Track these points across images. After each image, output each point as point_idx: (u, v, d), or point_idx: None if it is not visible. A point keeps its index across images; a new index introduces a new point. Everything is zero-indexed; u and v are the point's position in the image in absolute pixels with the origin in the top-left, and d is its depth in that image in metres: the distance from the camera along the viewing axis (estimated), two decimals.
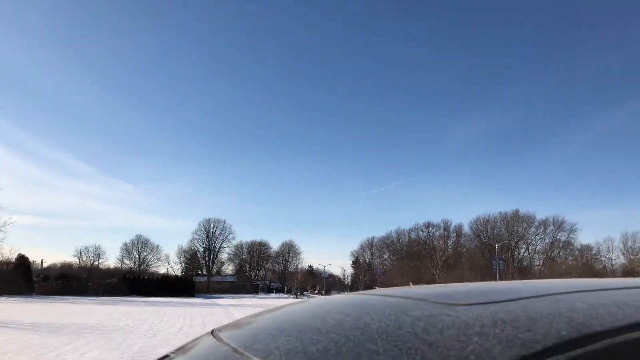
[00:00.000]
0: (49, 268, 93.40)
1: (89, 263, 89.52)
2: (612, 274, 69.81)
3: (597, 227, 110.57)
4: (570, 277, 57.42)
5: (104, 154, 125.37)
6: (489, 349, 0.73)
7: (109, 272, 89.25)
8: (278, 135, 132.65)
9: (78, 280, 77.02)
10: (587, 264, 71.66)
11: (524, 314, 0.87)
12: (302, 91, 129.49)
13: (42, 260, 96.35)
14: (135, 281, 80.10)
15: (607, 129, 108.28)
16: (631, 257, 68.90)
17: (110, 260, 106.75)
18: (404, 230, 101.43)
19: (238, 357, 0.98)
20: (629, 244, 70.28)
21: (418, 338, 0.83)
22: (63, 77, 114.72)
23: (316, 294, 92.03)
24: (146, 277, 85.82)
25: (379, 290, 1.50)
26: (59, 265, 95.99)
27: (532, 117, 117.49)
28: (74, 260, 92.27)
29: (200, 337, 1.42)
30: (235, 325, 1.40)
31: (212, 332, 1.36)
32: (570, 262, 75.13)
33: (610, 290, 1.10)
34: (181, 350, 1.34)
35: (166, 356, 1.30)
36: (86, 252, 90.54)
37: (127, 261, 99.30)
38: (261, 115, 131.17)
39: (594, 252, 77.92)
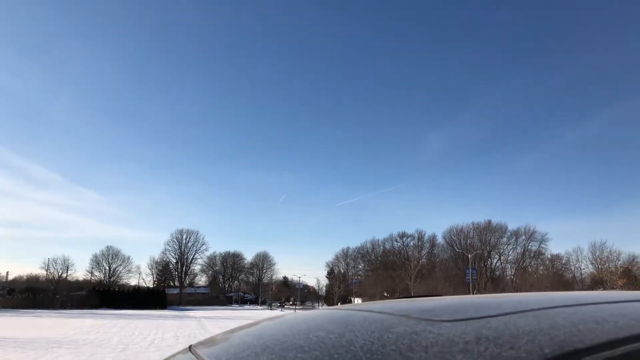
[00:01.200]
0: (15, 281, 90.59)
1: (57, 275, 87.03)
2: (581, 282, 71.35)
3: (566, 237, 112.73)
4: (541, 286, 58.54)
5: (73, 162, 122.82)
6: None
7: (78, 284, 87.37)
8: (251, 146, 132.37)
9: (45, 293, 75.12)
10: (558, 273, 73.09)
11: (506, 331, 0.88)
12: (277, 103, 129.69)
13: (7, 272, 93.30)
14: (106, 293, 78.69)
15: (576, 140, 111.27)
16: (599, 266, 70.48)
17: (79, 272, 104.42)
18: (378, 240, 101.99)
19: None
20: (597, 253, 71.77)
21: (403, 356, 0.82)
22: (30, 82, 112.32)
23: (290, 305, 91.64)
24: (117, 289, 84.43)
25: (360, 305, 1.50)
26: (25, 277, 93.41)
27: (503, 128, 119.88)
28: (41, 273, 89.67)
29: (178, 353, 1.39)
30: (214, 341, 1.36)
31: (190, 348, 1.33)
32: (541, 272, 76.52)
33: (588, 305, 1.11)
34: None
35: None
36: (54, 264, 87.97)
37: (96, 273, 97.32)
38: (234, 126, 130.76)
39: (563, 261, 79.46)
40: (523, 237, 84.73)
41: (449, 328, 0.93)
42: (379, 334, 0.97)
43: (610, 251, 69.18)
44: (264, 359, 0.97)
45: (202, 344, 1.36)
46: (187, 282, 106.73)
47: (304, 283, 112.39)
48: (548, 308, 1.06)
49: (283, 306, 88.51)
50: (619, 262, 67.78)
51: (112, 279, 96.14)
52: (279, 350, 1.01)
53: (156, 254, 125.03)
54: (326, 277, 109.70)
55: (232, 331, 1.46)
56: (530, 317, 0.97)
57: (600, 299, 1.18)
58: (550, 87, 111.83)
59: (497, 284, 74.78)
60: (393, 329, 0.99)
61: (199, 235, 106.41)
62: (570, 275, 75.41)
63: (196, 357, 1.18)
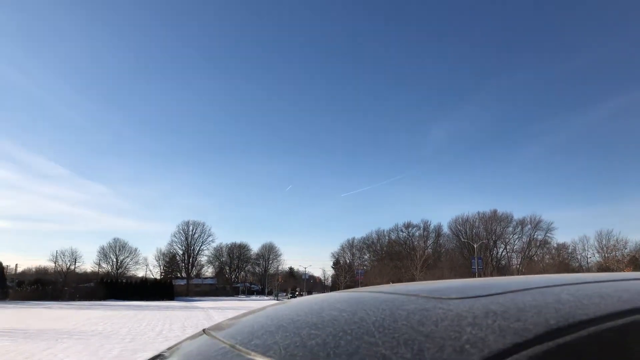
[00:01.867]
0: (24, 273, 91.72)
1: (65, 267, 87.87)
2: (588, 271, 71.17)
3: (572, 226, 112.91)
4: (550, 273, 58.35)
5: (79, 155, 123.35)
6: (483, 338, 0.77)
7: (86, 277, 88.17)
8: (257, 136, 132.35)
9: (54, 285, 75.87)
10: (564, 262, 72.99)
11: (513, 305, 0.92)
12: (283, 92, 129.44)
13: (17, 265, 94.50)
14: (113, 285, 79.31)
15: (582, 129, 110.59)
16: (606, 254, 70.33)
17: (87, 264, 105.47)
18: (384, 230, 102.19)
19: (236, 354, 0.99)
20: (604, 241, 71.65)
21: (414, 330, 0.86)
22: (35, 77, 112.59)
23: (298, 295, 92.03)
24: (124, 281, 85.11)
25: (370, 287, 1.55)
26: (34, 270, 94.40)
27: (508, 118, 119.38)
28: (50, 265, 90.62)
29: (193, 335, 1.42)
30: (229, 323, 1.38)
31: (205, 330, 1.35)
32: (547, 261, 76.46)
33: (592, 283, 1.16)
34: (174, 349, 1.33)
35: (158, 356, 1.30)
36: (62, 256, 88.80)
37: (104, 265, 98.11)
38: (239, 116, 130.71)
39: (570, 250, 79.39)
40: (529, 226, 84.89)
41: (458, 304, 0.98)
42: (390, 312, 1.01)
43: (617, 240, 69.06)
44: (279, 336, 1.01)
45: (215, 327, 1.39)
46: (194, 273, 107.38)
47: (310, 273, 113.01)
48: (553, 286, 1.11)
49: (294, 296, 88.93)
50: (626, 251, 67.65)
51: (119, 270, 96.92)
52: (292, 328, 1.05)
53: (163, 245, 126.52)
54: (332, 267, 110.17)
55: (245, 314, 1.49)
56: (536, 293, 1.02)
57: (604, 278, 1.23)
58: (554, 77, 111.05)
59: (503, 273, 74.84)
60: (404, 306, 1.04)
61: (205, 226, 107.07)
62: (577, 264, 75.33)
63: (212, 338, 1.22)
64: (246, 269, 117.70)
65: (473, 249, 69.28)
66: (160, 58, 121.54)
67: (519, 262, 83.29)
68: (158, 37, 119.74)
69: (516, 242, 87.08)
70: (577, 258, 77.82)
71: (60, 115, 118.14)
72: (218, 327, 1.36)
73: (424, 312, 0.96)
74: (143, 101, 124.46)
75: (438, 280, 1.65)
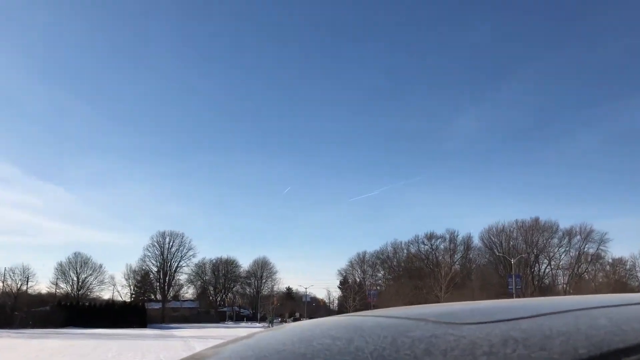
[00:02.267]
0: None
1: (15, 287, 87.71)
2: None
3: (631, 238, 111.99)
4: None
5: (35, 153, 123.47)
6: None
7: (41, 299, 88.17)
8: (248, 133, 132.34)
9: (1, 309, 75.69)
10: (620, 280, 72.49)
11: (539, 332, 0.92)
12: (278, 81, 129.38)
13: None
14: (73, 309, 79.38)
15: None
16: None
17: (42, 283, 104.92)
18: (401, 242, 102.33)
19: None
20: None
21: None
22: None
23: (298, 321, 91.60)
24: (87, 304, 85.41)
25: (372, 311, 1.52)
26: None
27: (551, 108, 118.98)
28: None
29: None
30: (205, 354, 1.40)
31: None
32: (600, 279, 76.01)
33: (638, 305, 1.13)
34: None
35: None
36: (11, 275, 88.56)
37: (62, 285, 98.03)
38: (228, 110, 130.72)
39: (627, 266, 78.96)
40: (578, 237, 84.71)
41: (473, 330, 0.97)
42: (392, 339, 1.01)
43: None
44: None
45: (194, 356, 1.40)
46: (171, 295, 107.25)
47: (312, 295, 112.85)
48: (592, 308, 1.09)
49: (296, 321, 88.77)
50: None
51: (80, 291, 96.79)
52: (276, 359, 1.07)
53: (133, 261, 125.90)
54: (339, 287, 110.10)
55: (225, 344, 1.47)
56: (568, 317, 1.01)
57: None
58: (609, 57, 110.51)
59: (546, 294, 74.39)
60: (408, 333, 1.04)
61: (184, 238, 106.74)
62: (637, 282, 74.86)
63: None
64: (234, 289, 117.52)
65: (510, 264, 68.95)
66: (136, 43, 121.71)
67: (565, 281, 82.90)
68: (137, 22, 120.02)
69: (562, 256, 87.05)
70: (637, 276, 77.36)
71: (11, 102, 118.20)
72: (197, 357, 1.38)
73: (431, 340, 0.95)
74: (113, 90, 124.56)
75: (456, 302, 1.55)
